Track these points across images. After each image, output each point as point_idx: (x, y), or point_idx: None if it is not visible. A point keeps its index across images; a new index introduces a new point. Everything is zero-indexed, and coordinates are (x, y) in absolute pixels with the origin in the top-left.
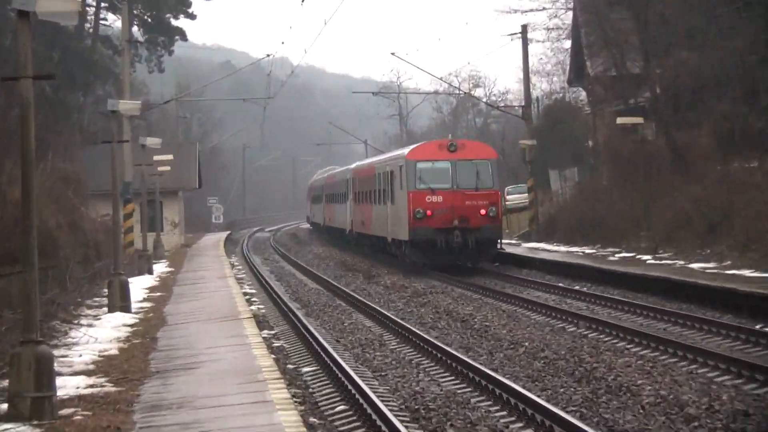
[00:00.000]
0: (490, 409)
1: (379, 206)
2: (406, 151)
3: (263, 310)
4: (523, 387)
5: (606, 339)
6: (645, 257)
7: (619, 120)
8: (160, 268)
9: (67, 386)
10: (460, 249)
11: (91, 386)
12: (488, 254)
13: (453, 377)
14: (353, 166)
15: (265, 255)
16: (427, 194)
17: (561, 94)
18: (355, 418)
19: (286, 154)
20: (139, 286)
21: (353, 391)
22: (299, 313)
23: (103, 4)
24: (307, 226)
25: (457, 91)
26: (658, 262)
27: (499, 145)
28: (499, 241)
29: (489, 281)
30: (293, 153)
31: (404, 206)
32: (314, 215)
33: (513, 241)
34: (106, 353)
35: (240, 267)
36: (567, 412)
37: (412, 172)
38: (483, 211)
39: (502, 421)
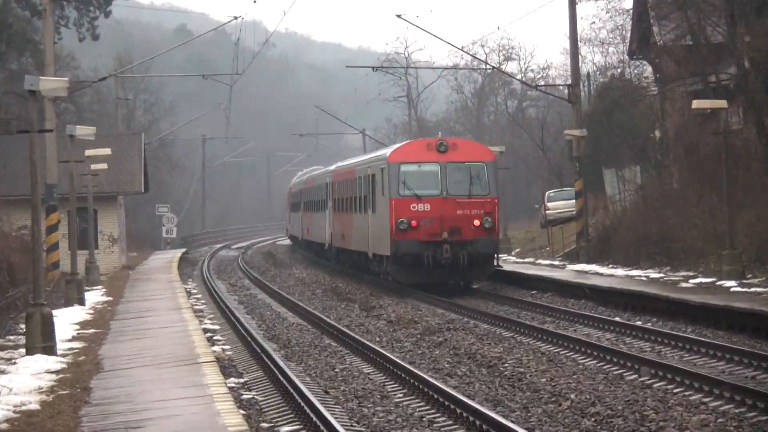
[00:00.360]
0: None
1: (359, 215)
2: (388, 151)
3: (229, 352)
4: None
5: (676, 390)
6: (728, 283)
7: (695, 104)
8: (95, 296)
9: None
10: (450, 265)
11: None
12: (483, 272)
13: None
14: (333, 167)
15: (232, 280)
16: (412, 202)
17: (619, 70)
18: None
19: (259, 148)
20: (66, 321)
21: None
22: (276, 356)
23: None
24: (287, 241)
25: (484, 66)
26: (745, 289)
27: (538, 136)
28: (495, 256)
29: (524, 314)
30: (269, 147)
31: (386, 216)
32: (293, 227)
33: (555, 263)
34: (23, 408)
35: (199, 296)
36: None
37: (395, 176)
38: (477, 222)
39: None
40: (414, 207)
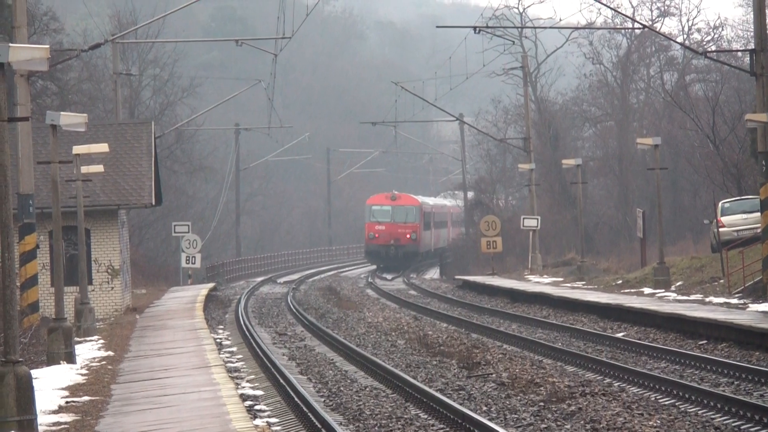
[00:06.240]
0: None
1: None
2: (368, 198)
3: (278, 428)
4: None
5: None
6: None
7: None
8: (89, 350)
9: None
10: (392, 257)
11: None
12: (412, 262)
13: None
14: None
15: (280, 326)
16: (376, 224)
17: None
18: None
19: (316, 142)
20: (50, 385)
21: None
22: None
23: None
24: (356, 270)
25: (630, 25)
26: None
27: (707, 123)
28: (418, 254)
29: (688, 373)
30: (329, 140)
31: (365, 231)
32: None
33: (732, 301)
34: None
35: (234, 349)
36: None
37: (369, 211)
38: (408, 236)
39: None
40: (377, 227)
